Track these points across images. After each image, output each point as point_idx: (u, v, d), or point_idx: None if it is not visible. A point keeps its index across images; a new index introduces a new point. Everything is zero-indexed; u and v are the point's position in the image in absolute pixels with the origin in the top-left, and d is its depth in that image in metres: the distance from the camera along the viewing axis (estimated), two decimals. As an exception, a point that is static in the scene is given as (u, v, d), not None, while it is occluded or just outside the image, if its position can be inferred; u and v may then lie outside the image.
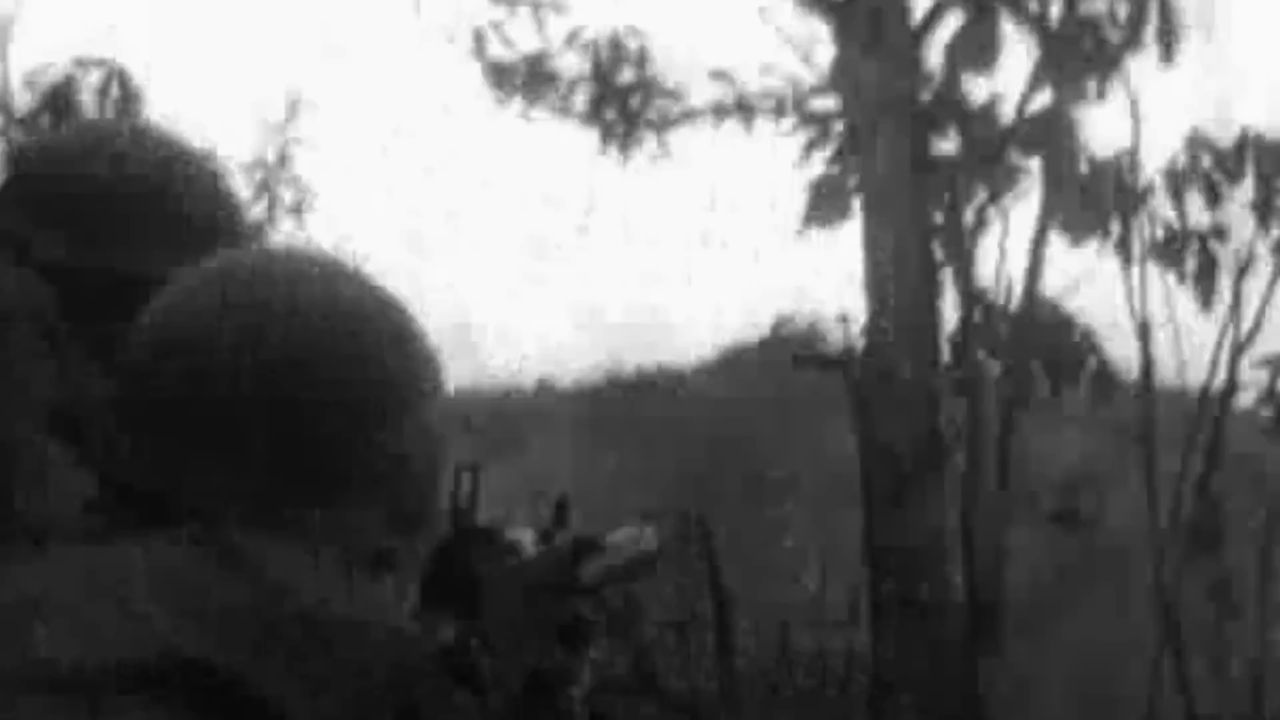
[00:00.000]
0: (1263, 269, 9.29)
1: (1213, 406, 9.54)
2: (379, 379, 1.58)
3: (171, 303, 1.57)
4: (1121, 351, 9.53)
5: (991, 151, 9.09)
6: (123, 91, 7.98)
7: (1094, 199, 9.20)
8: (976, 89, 9.21)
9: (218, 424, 1.54)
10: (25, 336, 2.02)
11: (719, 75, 9.71)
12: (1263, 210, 9.13)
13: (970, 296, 9.31)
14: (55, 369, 2.01)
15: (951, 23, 9.07)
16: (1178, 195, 9.21)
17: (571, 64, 9.75)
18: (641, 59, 9.72)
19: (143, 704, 1.40)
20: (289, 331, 1.55)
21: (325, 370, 1.55)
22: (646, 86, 9.73)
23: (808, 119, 9.59)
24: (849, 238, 9.43)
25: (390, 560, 1.60)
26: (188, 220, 2.11)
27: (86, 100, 8.11)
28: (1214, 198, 9.16)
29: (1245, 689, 9.71)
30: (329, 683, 1.44)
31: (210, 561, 1.50)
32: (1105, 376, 9.36)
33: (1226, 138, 9.11)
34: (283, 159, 9.10)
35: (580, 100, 9.76)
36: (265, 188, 8.99)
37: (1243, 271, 9.25)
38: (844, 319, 9.69)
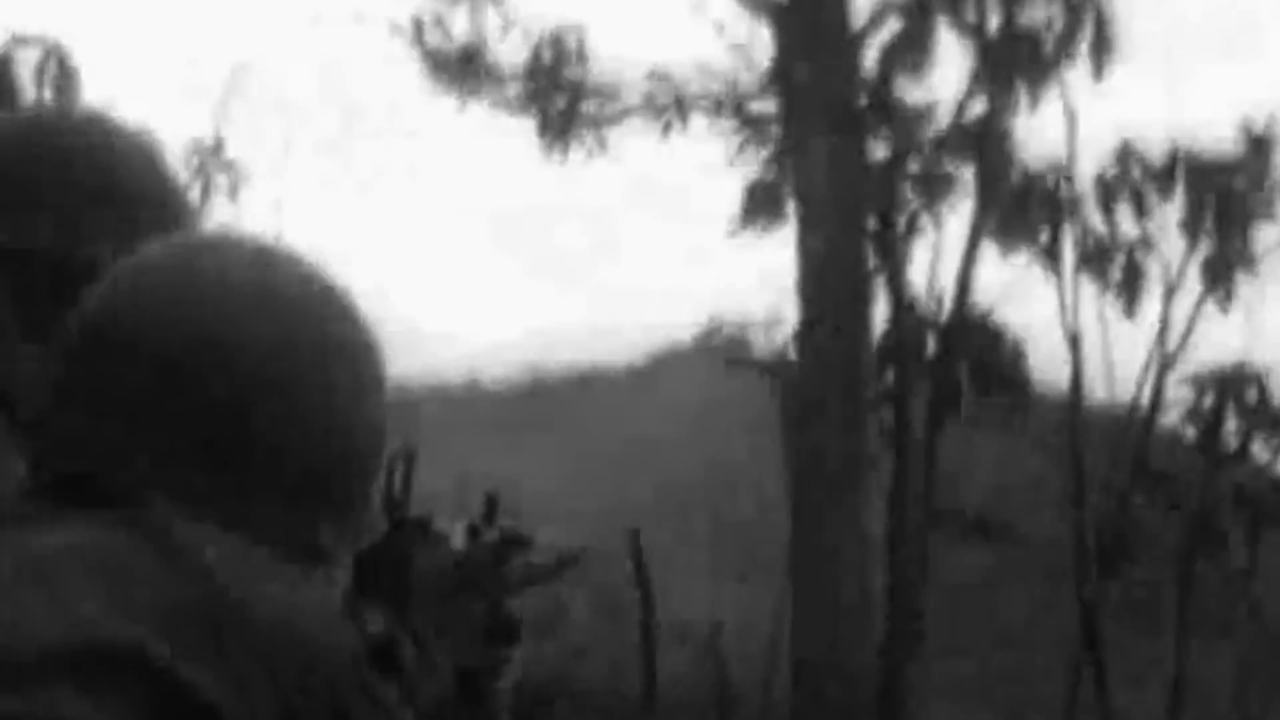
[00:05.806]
0: (1192, 287, 9.37)
1: (1138, 422, 9.61)
2: (319, 366, 1.57)
3: (113, 286, 1.56)
4: (1051, 363, 9.59)
5: (923, 156, 9.14)
6: (60, 70, 7.94)
7: (1025, 208, 9.25)
8: (911, 95, 9.26)
9: (153, 408, 1.53)
10: None
11: (657, 76, 9.70)
12: (1192, 228, 9.20)
13: (901, 304, 9.34)
14: None
15: (891, 29, 9.11)
16: (1107, 206, 9.28)
17: (509, 56, 9.73)
18: (580, 55, 9.70)
19: (69, 691, 1.40)
20: (228, 317, 1.54)
21: (264, 357, 1.55)
22: (584, 83, 9.72)
23: (746, 121, 9.60)
24: (782, 241, 9.46)
25: (324, 550, 1.60)
26: (135, 204, 2.10)
27: (24, 77, 8.06)
28: (1142, 209, 9.24)
29: (1161, 701, 9.79)
30: (257, 672, 1.44)
31: (141, 547, 1.49)
32: (1023, 387, 9.42)
33: (1159, 151, 9.19)
34: (219, 142, 9.06)
35: (517, 92, 9.74)
36: (201, 170, 8.95)
37: (1171, 290, 9.32)
38: (774, 324, 9.72)
